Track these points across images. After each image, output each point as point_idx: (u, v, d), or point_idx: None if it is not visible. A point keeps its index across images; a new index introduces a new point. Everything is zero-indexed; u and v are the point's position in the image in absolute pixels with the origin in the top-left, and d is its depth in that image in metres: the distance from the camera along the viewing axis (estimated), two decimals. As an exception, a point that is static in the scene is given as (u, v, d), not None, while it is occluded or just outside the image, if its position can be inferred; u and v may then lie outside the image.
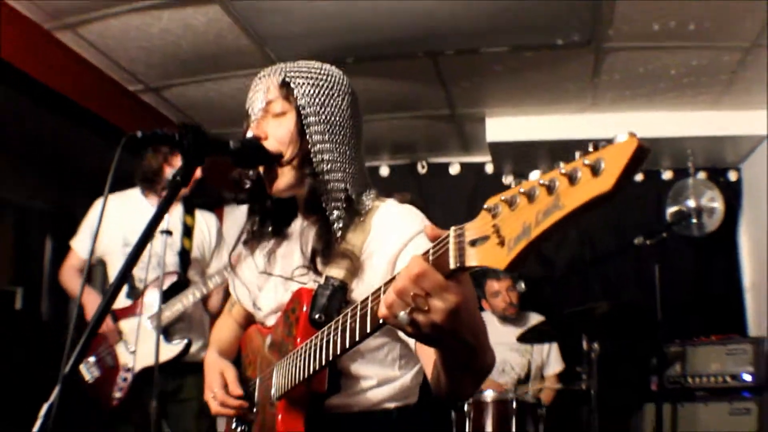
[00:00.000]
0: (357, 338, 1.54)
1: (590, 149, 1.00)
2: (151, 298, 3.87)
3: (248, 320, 2.37)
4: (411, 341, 1.77)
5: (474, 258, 1.18)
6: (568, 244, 6.58)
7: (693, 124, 5.79)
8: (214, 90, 5.50)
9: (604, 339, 4.82)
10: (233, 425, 2.22)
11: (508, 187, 4.26)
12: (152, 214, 1.73)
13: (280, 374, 1.92)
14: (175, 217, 4.00)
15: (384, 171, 7.05)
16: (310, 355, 1.75)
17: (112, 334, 3.88)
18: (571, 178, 1.00)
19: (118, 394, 3.81)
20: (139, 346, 3.82)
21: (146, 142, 1.85)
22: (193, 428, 3.99)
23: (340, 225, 1.93)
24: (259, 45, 4.72)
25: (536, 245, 1.07)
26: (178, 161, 3.94)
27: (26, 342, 6.02)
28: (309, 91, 1.95)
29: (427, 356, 1.72)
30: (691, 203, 5.98)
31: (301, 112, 1.94)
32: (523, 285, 5.57)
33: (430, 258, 1.28)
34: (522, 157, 6.48)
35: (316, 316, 1.84)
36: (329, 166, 1.93)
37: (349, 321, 1.58)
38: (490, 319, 5.54)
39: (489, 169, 6.90)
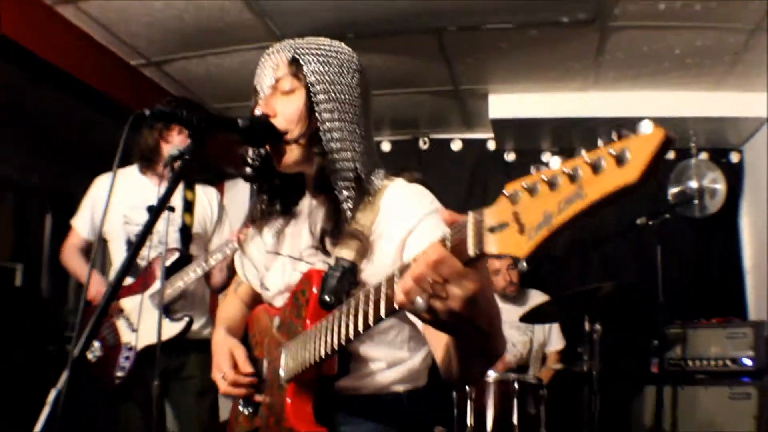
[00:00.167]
0: (370, 323, 1.53)
1: (614, 137, 0.98)
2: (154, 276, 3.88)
3: (255, 300, 2.36)
4: (419, 323, 1.75)
5: (493, 245, 1.16)
6: (568, 222, 6.56)
7: (696, 104, 5.76)
8: (215, 64, 5.46)
9: (606, 320, 4.82)
10: (240, 406, 2.21)
11: (509, 163, 4.30)
12: (161, 194, 1.71)
13: (290, 356, 1.91)
14: (175, 192, 3.95)
15: (386, 146, 7.02)
16: (321, 338, 1.74)
17: (114, 312, 3.87)
18: (595, 167, 0.98)
19: (120, 373, 3.78)
20: (141, 324, 3.80)
21: (154, 120, 1.83)
22: (195, 406, 3.99)
23: (350, 205, 1.90)
24: (262, 19, 4.68)
25: (557, 234, 1.05)
26: (173, 137, 3.91)
27: (26, 318, 6.02)
28: (318, 68, 1.92)
29: (436, 339, 1.70)
30: (694, 184, 5.97)
31: (311, 89, 1.91)
32: (525, 264, 5.57)
33: (448, 244, 1.26)
34: (524, 134, 6.46)
35: (327, 298, 1.82)
36: (338, 144, 1.91)
37: (362, 305, 1.56)
38: (489, 297, 5.53)
39: (491, 145, 6.88)
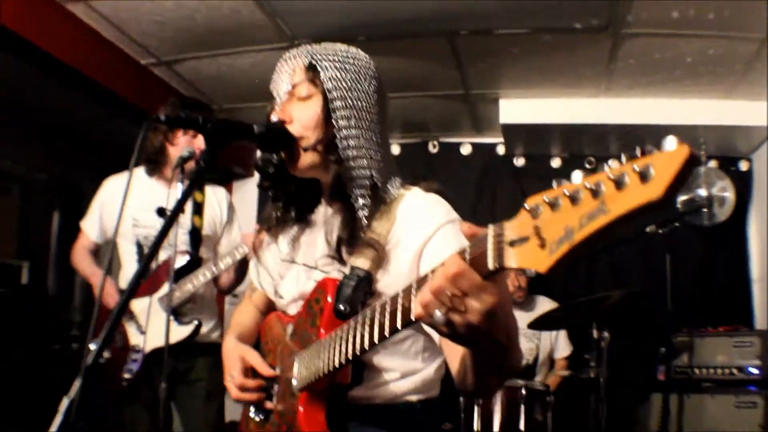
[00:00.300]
0: (386, 334, 1.52)
1: (638, 153, 0.98)
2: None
3: (269, 307, 2.35)
4: (435, 334, 1.73)
5: (513, 259, 1.16)
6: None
7: (706, 112, 5.74)
8: (227, 65, 5.45)
9: (614, 327, 4.81)
10: (251, 413, 2.20)
11: (519, 168, 4.29)
12: (176, 200, 1.70)
13: (303, 365, 1.90)
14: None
15: (395, 149, 6.94)
16: (335, 347, 1.73)
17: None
18: (618, 183, 0.98)
19: (127, 375, 3.78)
20: (150, 326, 3.79)
21: (169, 125, 1.83)
22: (203, 410, 3.97)
23: (366, 213, 1.89)
24: (273, 20, 4.66)
25: (579, 250, 1.04)
26: (178, 139, 3.90)
27: (32, 316, 6.02)
28: (336, 74, 1.91)
29: (452, 350, 1.70)
30: (703, 192, 5.94)
31: (327, 96, 1.89)
32: (534, 270, 5.55)
33: (467, 257, 1.26)
34: (534, 139, 6.45)
35: (341, 307, 1.81)
36: (355, 152, 1.90)
37: (378, 316, 1.55)
38: (497, 303, 5.52)
39: (500, 150, 6.85)
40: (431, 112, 6.50)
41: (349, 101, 1.91)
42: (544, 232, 1.09)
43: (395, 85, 5.61)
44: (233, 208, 4.32)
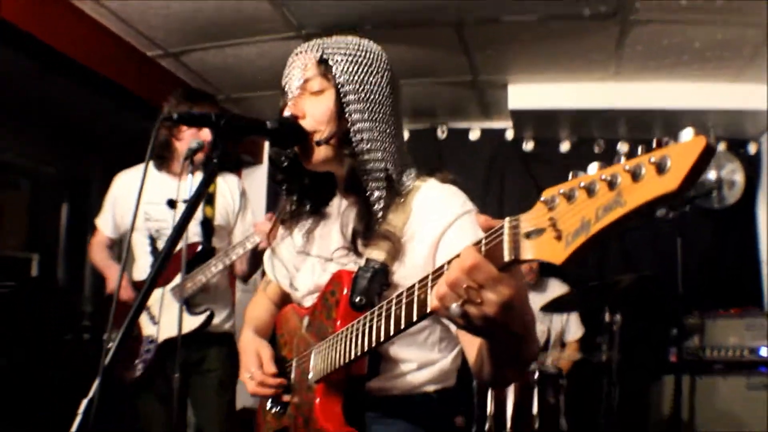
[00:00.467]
0: (402, 326, 1.52)
1: (654, 145, 0.98)
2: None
3: (283, 299, 2.36)
4: (452, 324, 1.74)
5: (529, 251, 1.16)
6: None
7: (715, 96, 5.71)
8: (233, 55, 5.44)
9: (626, 311, 4.81)
10: (268, 405, 2.21)
11: (527, 153, 4.29)
12: (189, 199, 1.70)
13: (319, 357, 1.91)
14: (197, 183, 3.91)
15: (404, 135, 6.96)
16: (351, 340, 1.74)
17: None
18: (635, 175, 0.97)
19: (141, 365, 3.80)
20: (162, 317, 3.80)
21: (182, 123, 1.83)
22: (215, 400, 3.98)
23: (381, 206, 1.90)
24: (280, 10, 4.65)
25: (595, 242, 1.04)
26: (184, 134, 3.90)
27: (43, 308, 6.04)
28: (348, 68, 1.90)
29: (469, 341, 1.71)
30: (713, 175, 5.94)
31: (340, 90, 1.89)
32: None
33: (483, 249, 1.26)
34: (543, 124, 6.45)
35: (357, 299, 1.81)
36: (369, 145, 1.89)
37: (393, 308, 1.56)
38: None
39: (509, 135, 6.86)
40: (439, 99, 6.49)
41: (362, 94, 1.90)
42: (560, 223, 1.09)
43: (403, 72, 5.51)
44: (246, 195, 4.29)
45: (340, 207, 2.05)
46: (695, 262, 5.85)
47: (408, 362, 1.94)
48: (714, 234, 6.32)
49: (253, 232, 3.80)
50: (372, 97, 1.92)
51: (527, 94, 6.02)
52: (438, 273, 1.39)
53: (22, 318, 5.70)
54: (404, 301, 1.51)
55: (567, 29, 4.87)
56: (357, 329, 1.72)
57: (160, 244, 3.93)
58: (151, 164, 4.00)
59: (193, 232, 3.93)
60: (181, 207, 3.41)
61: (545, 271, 5.75)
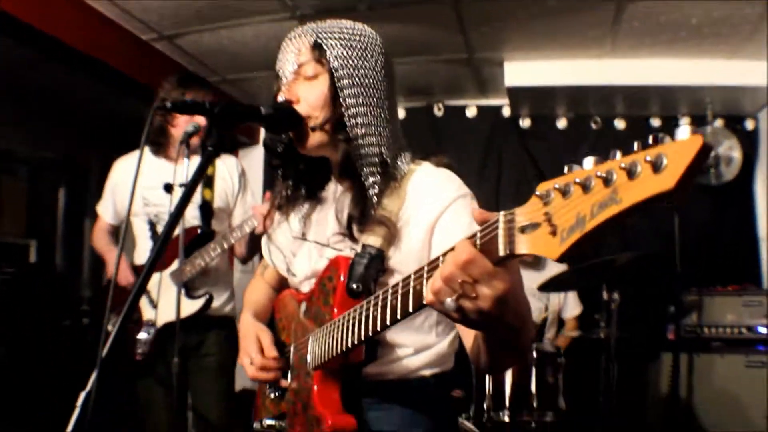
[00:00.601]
0: (398, 316, 1.53)
1: (650, 141, 0.97)
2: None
3: (281, 284, 2.36)
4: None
5: (524, 246, 1.16)
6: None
7: (712, 72, 5.70)
8: (228, 37, 5.42)
9: (624, 289, 4.82)
10: (267, 390, 2.22)
11: (525, 130, 4.27)
12: (186, 184, 1.70)
13: (317, 344, 1.91)
14: (194, 168, 3.90)
15: (400, 113, 6.92)
16: (348, 328, 1.74)
17: None
18: (630, 173, 0.97)
19: (141, 349, 3.81)
20: (161, 301, 3.82)
21: (175, 111, 1.82)
22: (214, 383, 4.00)
23: (376, 191, 1.89)
24: (275, -10, 4.65)
25: (590, 238, 1.04)
26: (178, 120, 3.89)
27: (41, 294, 6.05)
28: (342, 53, 1.89)
29: (466, 329, 1.71)
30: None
31: (334, 75, 1.88)
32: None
33: (478, 243, 1.26)
34: (540, 101, 6.44)
35: (354, 286, 1.82)
36: (363, 130, 1.88)
37: (390, 298, 1.56)
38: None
39: (506, 112, 6.85)
40: (435, 77, 6.46)
41: (357, 79, 1.89)
42: (555, 218, 1.09)
43: (400, 51, 5.59)
44: (245, 175, 4.28)
45: (335, 192, 2.04)
46: (693, 239, 5.84)
47: (404, 347, 1.94)
48: (711, 211, 6.30)
49: (251, 215, 3.79)
50: (366, 81, 1.90)
51: (524, 71, 5.99)
52: (434, 265, 1.39)
53: (21, 304, 5.71)
54: (400, 291, 1.51)
55: (563, 6, 4.84)
56: (354, 317, 1.72)
57: (160, 229, 3.94)
58: (148, 150, 4.00)
59: (193, 216, 3.93)
60: (178, 191, 3.44)
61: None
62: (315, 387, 1.89)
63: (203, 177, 1.72)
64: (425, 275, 1.41)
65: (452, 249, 1.30)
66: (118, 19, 5.06)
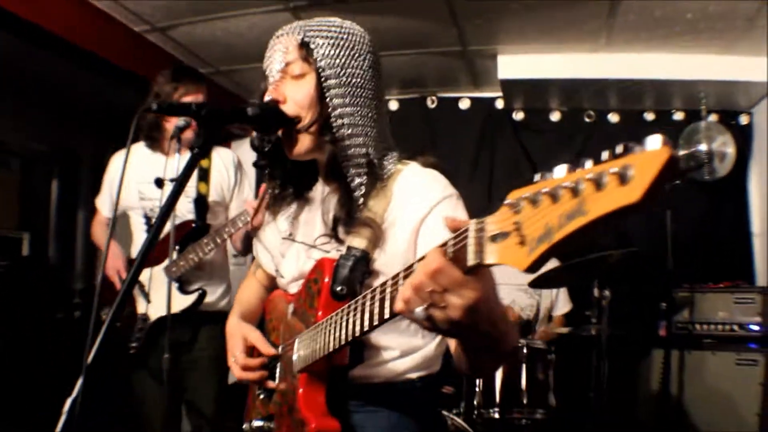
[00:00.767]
0: (376, 323, 1.53)
1: (618, 150, 0.94)
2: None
3: (273, 283, 2.35)
4: None
5: (493, 255, 1.15)
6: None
7: (706, 67, 5.68)
8: (221, 28, 5.40)
9: (616, 286, 4.81)
10: (257, 390, 2.23)
11: (518, 122, 4.26)
12: (176, 179, 1.71)
13: (302, 347, 1.91)
14: (184, 162, 3.88)
15: (393, 105, 6.94)
16: (330, 332, 1.74)
17: None
18: (597, 184, 0.94)
19: (134, 343, 3.82)
20: (155, 296, 3.82)
21: (162, 113, 1.82)
22: (206, 379, 3.99)
23: (362, 192, 1.88)
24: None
25: (558, 249, 1.02)
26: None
27: (34, 287, 6.05)
28: (329, 51, 1.87)
29: None
30: (703, 147, 5.91)
31: (321, 74, 1.86)
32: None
33: (449, 251, 1.25)
34: (533, 94, 6.41)
35: (338, 289, 1.82)
36: (350, 130, 1.87)
37: (368, 303, 1.56)
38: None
39: (499, 104, 6.82)
40: (429, 69, 6.43)
41: (344, 78, 1.88)
42: (524, 228, 1.07)
43: (392, 43, 5.56)
44: (241, 167, 4.27)
45: (323, 192, 2.03)
46: (685, 235, 5.82)
47: (390, 349, 1.94)
48: (705, 206, 6.28)
49: (245, 210, 3.77)
50: (354, 81, 1.89)
51: (518, 64, 5.97)
52: (409, 271, 1.39)
53: (13, 297, 5.71)
54: (377, 297, 1.51)
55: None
56: (336, 321, 1.72)
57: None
58: (143, 144, 4.00)
59: (188, 210, 3.93)
60: (169, 186, 3.43)
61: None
62: (300, 389, 1.88)
63: (189, 178, 1.71)
64: (401, 282, 1.41)
65: (423, 259, 1.29)
66: (111, 11, 5.05)
